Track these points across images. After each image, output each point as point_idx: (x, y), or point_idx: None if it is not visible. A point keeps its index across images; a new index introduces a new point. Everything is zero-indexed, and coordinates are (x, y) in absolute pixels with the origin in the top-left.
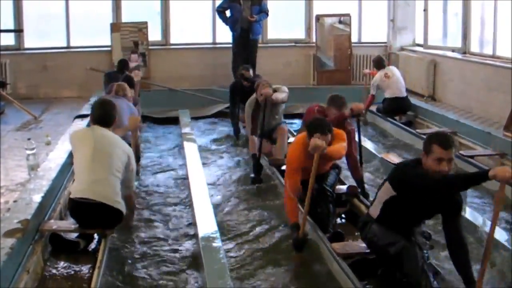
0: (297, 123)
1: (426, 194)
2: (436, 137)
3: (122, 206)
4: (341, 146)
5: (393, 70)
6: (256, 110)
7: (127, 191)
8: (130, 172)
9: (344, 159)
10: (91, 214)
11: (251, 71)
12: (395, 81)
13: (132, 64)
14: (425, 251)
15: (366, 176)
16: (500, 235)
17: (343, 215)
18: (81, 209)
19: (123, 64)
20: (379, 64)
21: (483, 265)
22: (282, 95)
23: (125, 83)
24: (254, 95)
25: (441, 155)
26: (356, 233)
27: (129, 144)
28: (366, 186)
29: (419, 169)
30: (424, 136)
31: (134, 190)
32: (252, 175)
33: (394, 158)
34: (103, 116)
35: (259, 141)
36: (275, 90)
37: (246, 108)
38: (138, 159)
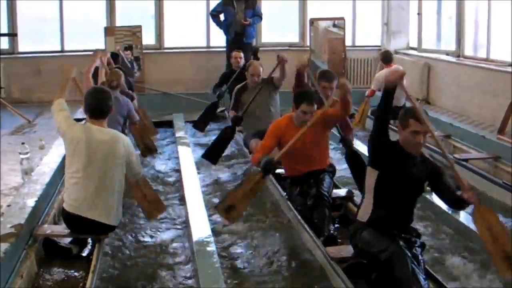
0: None
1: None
2: (411, 112)
3: (115, 221)
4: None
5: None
6: (243, 93)
7: (135, 178)
8: (132, 163)
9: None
10: (84, 225)
11: (243, 59)
12: (397, 89)
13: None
14: (418, 250)
15: None
16: None
17: (336, 219)
18: (75, 220)
19: (114, 57)
20: (387, 59)
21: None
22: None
23: (119, 70)
24: (243, 82)
25: (416, 128)
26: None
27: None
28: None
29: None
30: None
31: (142, 175)
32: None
33: None
34: (98, 106)
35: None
36: (267, 80)
37: (234, 90)
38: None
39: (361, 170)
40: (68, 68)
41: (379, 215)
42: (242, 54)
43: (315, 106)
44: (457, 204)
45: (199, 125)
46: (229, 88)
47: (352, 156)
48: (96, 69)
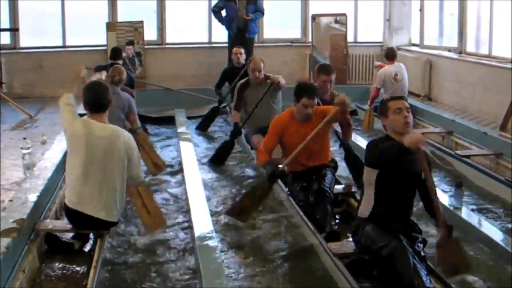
0: None
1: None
2: (387, 99)
3: (116, 217)
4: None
5: (403, 72)
6: (245, 90)
7: (135, 181)
8: (133, 162)
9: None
10: (86, 221)
11: (243, 56)
12: (400, 87)
13: (124, 54)
14: (420, 246)
15: None
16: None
17: (337, 216)
18: (75, 215)
19: (116, 52)
20: (390, 55)
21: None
22: (283, 80)
23: (121, 66)
24: (245, 79)
25: (397, 105)
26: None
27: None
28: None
29: (380, 145)
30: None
31: (142, 179)
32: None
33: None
34: (96, 99)
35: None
36: (268, 77)
37: (236, 87)
38: None
39: (361, 172)
40: (78, 68)
41: (380, 210)
42: (242, 50)
43: (316, 100)
44: (429, 211)
45: (202, 127)
46: (231, 88)
47: (351, 160)
48: (105, 67)
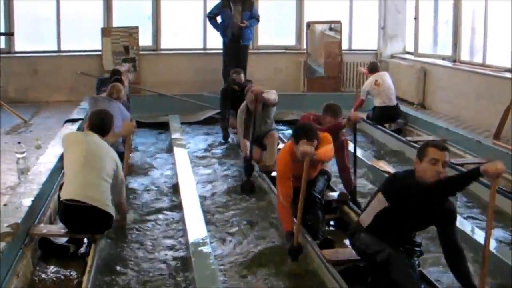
0: (286, 129)
1: (421, 201)
2: (431, 142)
3: (112, 210)
4: (328, 148)
5: (383, 77)
6: (248, 116)
7: (118, 199)
8: (119, 180)
9: (335, 167)
10: (81, 216)
11: (242, 75)
12: (385, 89)
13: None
14: (415, 259)
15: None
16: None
17: (332, 222)
18: (71, 212)
19: (116, 74)
20: (372, 68)
21: (483, 269)
22: (272, 95)
23: (120, 84)
24: (245, 102)
25: (435, 156)
26: (346, 240)
27: (119, 153)
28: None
29: (413, 179)
30: (414, 144)
31: (125, 198)
32: (244, 178)
33: (384, 166)
34: (100, 125)
35: (250, 145)
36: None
37: (238, 114)
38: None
39: None
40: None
41: (376, 230)
42: (242, 76)
43: (315, 142)
44: (454, 259)
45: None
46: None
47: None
48: (103, 80)
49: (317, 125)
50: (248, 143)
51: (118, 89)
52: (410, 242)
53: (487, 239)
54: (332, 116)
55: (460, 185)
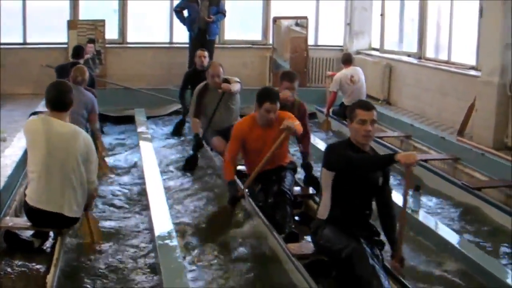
0: None
1: (348, 171)
2: (357, 103)
3: (78, 213)
4: (298, 123)
5: (359, 73)
6: (204, 95)
7: (90, 186)
8: (90, 164)
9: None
10: (45, 219)
11: (207, 55)
12: (358, 88)
13: (86, 56)
14: (377, 249)
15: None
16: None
17: (296, 218)
18: (36, 214)
19: (79, 51)
20: (347, 60)
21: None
22: (236, 86)
23: (83, 66)
24: (204, 82)
25: (363, 117)
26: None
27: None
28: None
29: (341, 150)
30: (379, 140)
31: (96, 185)
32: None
33: None
34: (58, 98)
35: (206, 126)
36: (226, 80)
37: (194, 92)
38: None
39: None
40: None
41: (337, 213)
42: (206, 53)
43: (278, 104)
44: (383, 218)
45: (190, 166)
46: (192, 90)
47: (310, 181)
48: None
49: None
50: (197, 122)
51: (82, 71)
52: (368, 227)
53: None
54: (288, 82)
55: (373, 167)
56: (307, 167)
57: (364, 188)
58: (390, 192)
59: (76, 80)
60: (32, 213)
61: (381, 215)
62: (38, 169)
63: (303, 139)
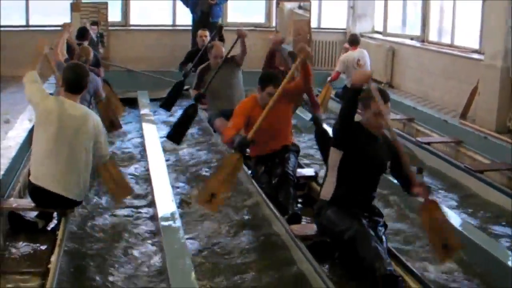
0: None
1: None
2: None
3: (80, 197)
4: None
5: (365, 57)
6: (205, 74)
7: (102, 160)
8: (100, 144)
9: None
10: (50, 199)
11: (208, 34)
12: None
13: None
14: (381, 231)
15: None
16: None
17: (299, 199)
18: (40, 193)
19: (83, 32)
20: (354, 41)
21: None
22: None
23: (88, 47)
24: (206, 63)
25: (378, 109)
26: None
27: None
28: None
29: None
30: None
31: (108, 157)
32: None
33: None
34: (75, 80)
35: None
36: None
37: (198, 70)
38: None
39: (328, 147)
40: (41, 43)
41: (342, 193)
42: (207, 33)
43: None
44: (409, 190)
45: (166, 105)
46: (194, 67)
47: (321, 135)
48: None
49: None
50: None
51: (87, 51)
52: (370, 208)
53: None
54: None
55: (349, 101)
56: (317, 120)
57: (370, 169)
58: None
59: (81, 60)
60: (35, 192)
61: (401, 182)
62: (44, 147)
63: (314, 106)
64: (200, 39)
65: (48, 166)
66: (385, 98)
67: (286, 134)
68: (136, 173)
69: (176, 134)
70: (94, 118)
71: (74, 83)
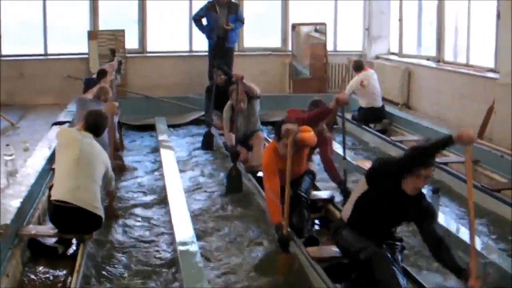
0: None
1: (401, 171)
2: (420, 158)
3: (101, 211)
4: (310, 133)
5: (369, 78)
6: (232, 115)
7: (108, 189)
8: (108, 179)
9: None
10: (70, 217)
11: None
12: (370, 90)
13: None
14: (397, 254)
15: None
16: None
17: (316, 221)
18: (61, 212)
19: (102, 75)
20: (357, 66)
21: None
22: (255, 87)
23: (107, 86)
24: (229, 102)
25: (422, 172)
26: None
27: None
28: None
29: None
30: (399, 143)
31: (114, 190)
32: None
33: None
34: (96, 126)
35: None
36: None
37: (224, 114)
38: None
39: None
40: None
41: (356, 222)
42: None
43: None
44: (438, 251)
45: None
46: (215, 104)
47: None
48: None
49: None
50: (233, 136)
51: (106, 91)
52: (391, 237)
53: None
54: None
55: (434, 150)
56: (345, 193)
57: (385, 218)
58: (434, 220)
59: (100, 100)
60: (55, 213)
61: (430, 245)
62: (67, 168)
63: (326, 166)
64: (218, 77)
65: (68, 182)
66: (430, 162)
67: (301, 169)
68: (153, 198)
69: (234, 188)
70: (106, 155)
71: (93, 128)
